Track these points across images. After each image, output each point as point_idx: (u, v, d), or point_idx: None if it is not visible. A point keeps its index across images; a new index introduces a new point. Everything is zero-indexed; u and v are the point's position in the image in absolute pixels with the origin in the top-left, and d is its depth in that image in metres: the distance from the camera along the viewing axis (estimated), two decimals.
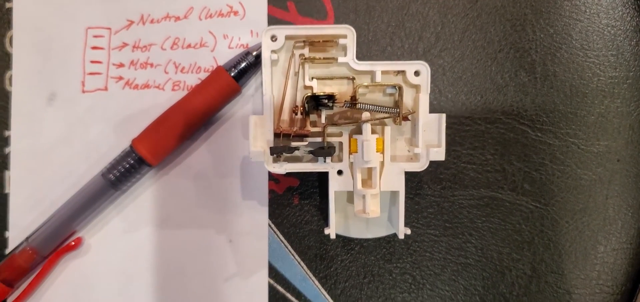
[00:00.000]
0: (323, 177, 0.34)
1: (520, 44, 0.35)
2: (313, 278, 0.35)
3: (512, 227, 0.35)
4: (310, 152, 0.29)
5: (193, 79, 0.35)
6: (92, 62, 0.35)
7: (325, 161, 0.29)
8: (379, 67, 0.29)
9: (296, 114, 0.30)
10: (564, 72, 0.35)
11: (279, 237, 0.35)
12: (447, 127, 0.34)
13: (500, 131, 0.35)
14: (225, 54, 0.35)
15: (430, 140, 0.29)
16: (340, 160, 0.30)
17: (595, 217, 0.35)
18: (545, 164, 0.35)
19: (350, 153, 0.29)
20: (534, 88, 0.35)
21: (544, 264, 0.35)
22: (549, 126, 0.35)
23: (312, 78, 0.29)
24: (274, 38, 0.28)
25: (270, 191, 0.35)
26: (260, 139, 0.29)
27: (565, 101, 0.35)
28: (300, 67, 0.29)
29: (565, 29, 0.35)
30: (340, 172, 0.30)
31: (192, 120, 0.33)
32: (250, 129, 0.29)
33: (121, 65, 0.35)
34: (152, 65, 0.35)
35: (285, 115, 0.30)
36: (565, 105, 0.35)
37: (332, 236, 0.30)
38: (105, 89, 0.35)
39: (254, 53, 0.33)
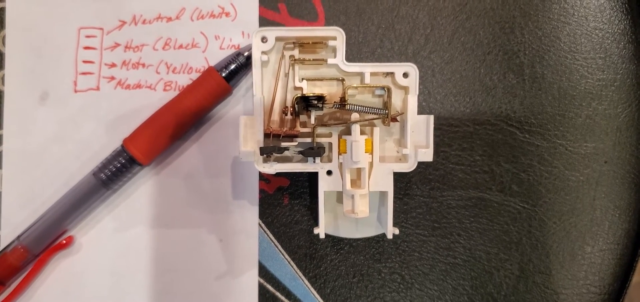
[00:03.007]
0: (313, 177, 0.35)
1: (508, 47, 0.35)
2: (303, 277, 0.35)
3: (500, 228, 0.36)
4: (300, 152, 0.30)
5: (184, 80, 0.35)
6: (85, 62, 0.35)
7: (314, 161, 0.30)
8: (368, 68, 0.29)
9: (286, 115, 0.30)
10: (552, 75, 0.36)
11: (269, 237, 0.35)
12: (436, 129, 0.35)
13: (488, 133, 0.35)
14: (216, 55, 0.35)
15: (418, 141, 0.29)
16: (330, 160, 0.30)
17: (582, 218, 0.36)
18: (533, 166, 0.36)
19: (339, 153, 0.30)
20: (523, 90, 0.35)
21: (531, 265, 0.36)
22: (537, 128, 0.35)
23: (302, 79, 0.30)
24: (264, 39, 0.29)
25: (261, 191, 0.35)
26: (250, 140, 0.29)
27: (553, 103, 0.36)
28: (291, 68, 0.30)
29: (554, 32, 0.36)
30: (329, 173, 0.30)
31: (183, 121, 0.33)
32: (241, 129, 0.29)
33: (113, 65, 0.35)
34: (144, 65, 0.35)
35: (276, 116, 0.30)
36: (553, 107, 0.36)
37: (322, 236, 0.30)
38: (97, 88, 0.35)
39: (245, 54, 0.34)
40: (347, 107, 0.29)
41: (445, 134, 0.35)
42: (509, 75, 0.35)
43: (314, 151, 0.29)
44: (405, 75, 0.29)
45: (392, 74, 0.29)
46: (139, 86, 0.35)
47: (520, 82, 0.35)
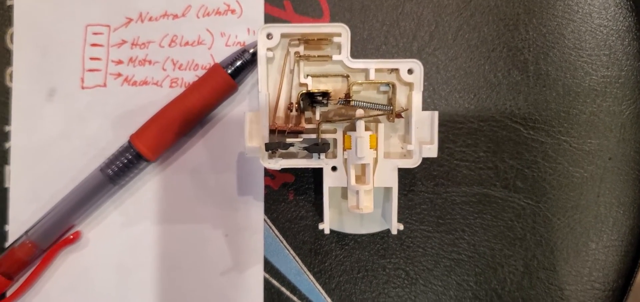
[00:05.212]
0: (318, 173, 0.35)
1: (513, 43, 0.36)
2: (308, 273, 0.36)
3: (505, 224, 0.36)
4: (305, 148, 0.30)
5: (190, 76, 0.35)
6: (92, 58, 0.35)
7: (319, 157, 0.30)
8: (372, 65, 0.29)
9: (291, 111, 0.30)
10: (556, 71, 0.36)
11: (275, 232, 0.35)
12: (440, 125, 0.35)
13: (493, 129, 0.35)
14: (222, 52, 0.35)
15: (423, 137, 0.30)
16: (335, 156, 0.30)
17: (586, 214, 0.36)
18: (537, 162, 0.36)
19: (344, 149, 0.30)
20: (527, 87, 0.36)
21: (536, 261, 0.36)
22: (542, 124, 0.36)
23: (307, 75, 0.30)
24: (269, 36, 0.29)
25: (266, 187, 0.35)
26: (255, 136, 0.29)
27: (558, 100, 0.36)
28: (296, 64, 0.30)
29: (558, 29, 0.36)
30: (334, 168, 0.30)
31: (189, 117, 0.34)
32: (246, 125, 0.29)
33: (120, 62, 0.35)
34: (150, 62, 0.35)
35: (281, 112, 0.30)
36: (558, 103, 0.36)
37: (326, 231, 0.31)
38: (104, 85, 0.35)
39: (251, 51, 0.34)
40: (352, 103, 0.29)
41: (449, 130, 0.35)
42: (513, 72, 0.36)
43: (318, 147, 0.29)
44: (410, 71, 0.29)
45: (396, 70, 0.29)
46: (145, 83, 0.35)
47: (525, 79, 0.36)
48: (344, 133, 0.30)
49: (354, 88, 0.30)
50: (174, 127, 0.33)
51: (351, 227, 0.33)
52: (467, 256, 0.36)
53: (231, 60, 0.34)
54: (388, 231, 0.32)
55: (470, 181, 0.36)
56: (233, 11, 0.35)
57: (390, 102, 0.30)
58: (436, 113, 0.29)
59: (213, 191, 0.35)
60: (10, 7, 0.35)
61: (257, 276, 0.35)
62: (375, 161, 0.30)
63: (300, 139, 0.29)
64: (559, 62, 0.36)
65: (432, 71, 0.35)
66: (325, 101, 0.29)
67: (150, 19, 0.35)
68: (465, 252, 0.36)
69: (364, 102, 0.29)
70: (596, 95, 0.36)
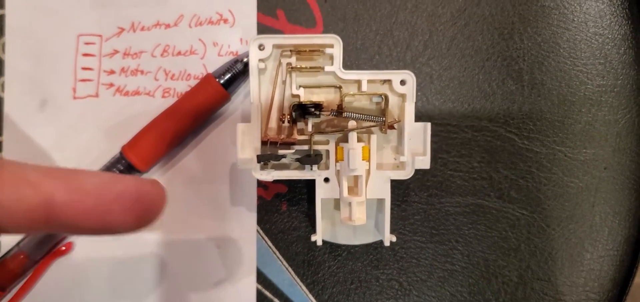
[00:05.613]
0: (311, 183, 0.34)
1: (507, 53, 0.35)
2: (301, 284, 0.35)
3: (499, 235, 0.35)
4: (297, 160, 0.30)
5: (183, 86, 0.35)
6: (84, 69, 0.35)
7: (312, 169, 0.30)
8: (365, 76, 0.29)
9: (283, 122, 0.30)
10: (551, 81, 0.35)
11: (267, 243, 0.35)
12: (434, 135, 0.35)
13: (487, 139, 0.35)
14: (214, 62, 0.35)
15: (415, 148, 0.29)
16: (327, 168, 0.30)
17: (581, 224, 0.36)
18: (532, 172, 0.35)
19: (336, 161, 0.30)
20: (521, 96, 0.35)
21: (530, 271, 0.36)
22: (536, 134, 0.35)
23: (300, 86, 0.30)
24: (261, 47, 0.29)
25: (259, 197, 0.35)
26: (247, 147, 0.29)
27: (553, 109, 0.35)
28: (288, 75, 0.30)
29: (553, 38, 0.36)
30: (327, 180, 0.30)
31: (181, 127, 0.33)
32: (238, 137, 0.29)
33: (112, 72, 0.35)
34: (142, 72, 0.35)
35: (273, 123, 0.30)
36: (553, 113, 0.35)
37: (319, 243, 0.30)
38: (96, 95, 0.35)
39: (243, 60, 0.34)
40: (344, 114, 0.29)
41: (443, 140, 0.35)
42: (508, 81, 0.35)
43: (311, 159, 0.29)
44: (403, 82, 0.29)
45: (389, 81, 0.29)
46: (137, 93, 0.35)
47: (519, 89, 0.35)
48: (337, 144, 0.30)
49: (347, 99, 0.30)
50: (166, 138, 0.33)
51: (344, 238, 0.33)
52: (461, 267, 0.35)
53: (223, 71, 0.34)
54: (381, 241, 0.32)
55: (464, 191, 0.35)
56: (226, 20, 0.35)
57: (383, 113, 0.30)
58: (428, 125, 0.29)
59: (205, 201, 0.35)
60: (2, 17, 0.35)
61: (249, 287, 0.35)
62: (368, 172, 0.30)
63: (293, 151, 0.29)
64: (554, 71, 0.35)
65: (426, 81, 0.35)
66: (317, 112, 0.29)
67: (142, 29, 0.35)
68: (459, 263, 0.35)
69: (356, 113, 0.29)
70: (591, 105, 0.36)
